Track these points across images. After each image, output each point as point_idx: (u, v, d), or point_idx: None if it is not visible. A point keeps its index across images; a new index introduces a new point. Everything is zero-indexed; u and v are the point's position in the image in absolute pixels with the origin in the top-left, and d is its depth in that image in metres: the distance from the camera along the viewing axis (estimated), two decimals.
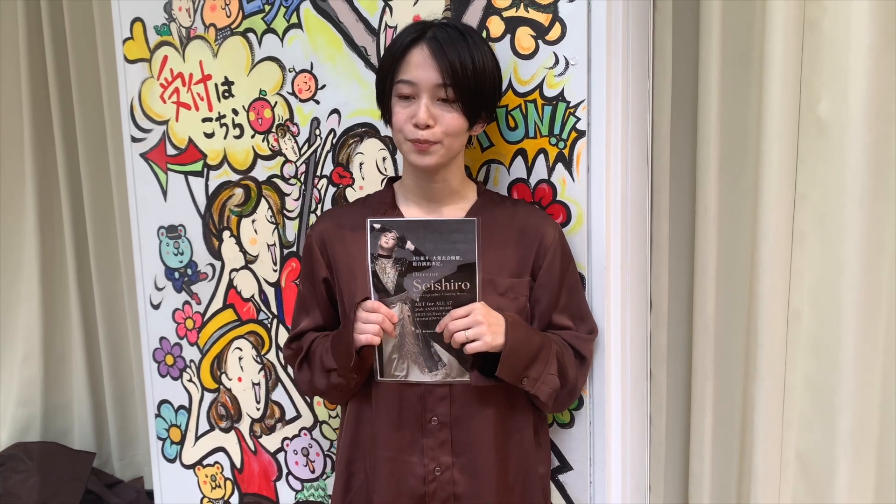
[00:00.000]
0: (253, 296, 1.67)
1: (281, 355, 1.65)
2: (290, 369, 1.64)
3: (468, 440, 1.20)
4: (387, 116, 1.21)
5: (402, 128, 1.16)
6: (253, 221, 1.64)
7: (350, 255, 1.23)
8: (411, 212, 1.25)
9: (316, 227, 1.31)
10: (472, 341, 1.11)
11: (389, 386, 1.20)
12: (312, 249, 1.29)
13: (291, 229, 1.59)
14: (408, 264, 1.12)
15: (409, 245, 1.11)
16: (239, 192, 1.64)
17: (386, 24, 1.41)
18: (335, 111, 1.49)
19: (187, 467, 1.84)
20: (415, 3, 1.37)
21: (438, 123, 1.14)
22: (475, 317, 1.11)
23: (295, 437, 1.67)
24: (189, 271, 1.75)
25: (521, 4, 1.27)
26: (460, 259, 1.10)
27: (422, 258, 1.11)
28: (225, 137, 1.64)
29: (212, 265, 1.71)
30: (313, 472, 1.66)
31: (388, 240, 1.11)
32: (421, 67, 1.13)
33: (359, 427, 1.28)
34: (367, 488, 1.27)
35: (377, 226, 1.11)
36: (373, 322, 1.13)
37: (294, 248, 1.59)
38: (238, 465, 1.76)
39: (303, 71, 1.52)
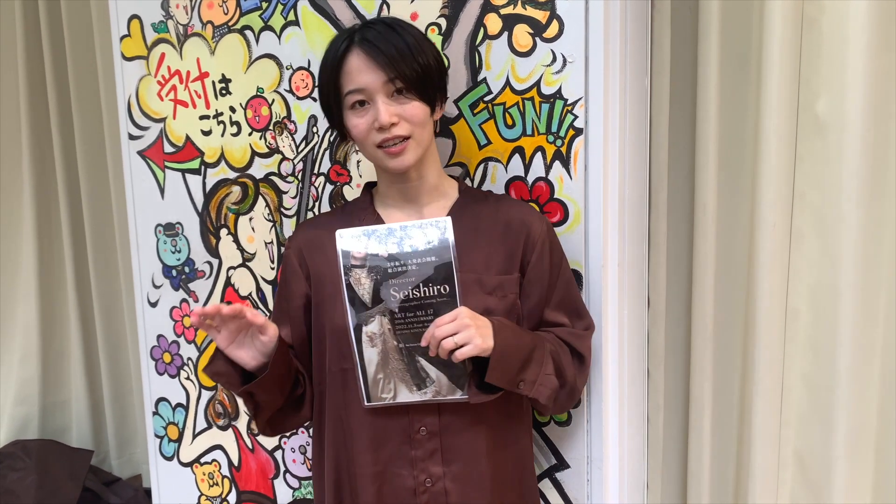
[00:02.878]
0: (250, 293, 1.67)
1: None
2: None
3: (459, 448, 1.15)
4: (342, 131, 1.18)
5: (367, 137, 1.13)
6: (250, 219, 1.63)
7: (330, 263, 1.16)
8: (392, 215, 1.21)
9: (294, 239, 1.26)
10: (461, 347, 1.04)
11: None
12: (290, 261, 1.24)
13: (289, 227, 1.59)
14: (383, 272, 1.06)
15: (382, 251, 1.06)
16: (236, 189, 1.64)
17: None
18: None
19: (185, 465, 1.84)
20: (412, 1, 1.37)
21: (402, 118, 1.11)
22: (462, 320, 1.04)
23: (292, 435, 1.66)
24: (186, 269, 1.74)
25: (519, 2, 1.27)
26: (436, 259, 1.05)
27: (396, 263, 1.05)
28: (222, 135, 1.64)
29: (209, 263, 1.71)
30: (311, 469, 1.66)
31: (358, 248, 1.06)
32: (363, 72, 1.10)
33: (345, 445, 1.21)
34: None
35: (346, 235, 1.06)
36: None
37: None
38: (236, 462, 1.76)
39: (300, 68, 1.51)
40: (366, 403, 1.12)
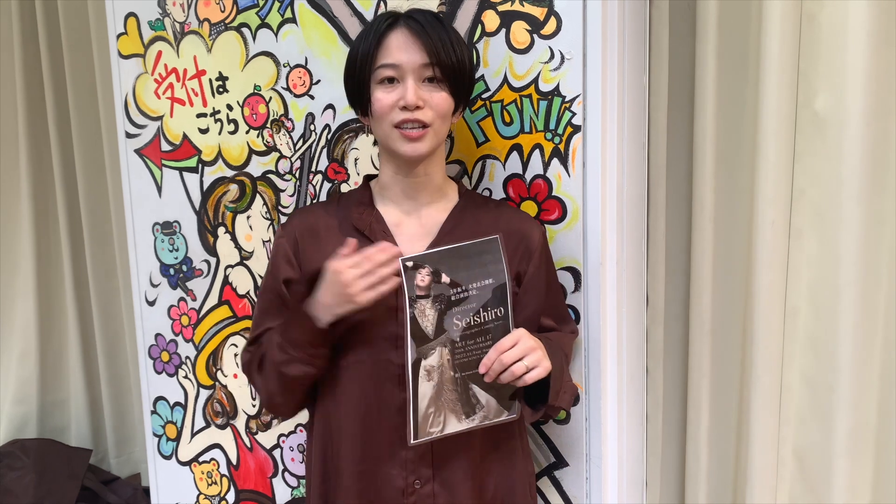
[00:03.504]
0: (248, 292, 1.66)
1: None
2: None
3: (449, 452, 1.14)
4: (363, 107, 1.16)
5: (388, 113, 1.11)
6: (248, 217, 1.63)
7: (325, 255, 1.13)
8: (390, 211, 1.19)
9: (288, 226, 1.23)
10: (531, 370, 1.03)
11: (367, 398, 1.14)
12: (283, 250, 1.21)
13: None
14: (447, 300, 1.03)
15: (445, 278, 1.03)
16: (234, 187, 1.64)
17: None
18: (330, 106, 1.49)
19: (183, 464, 1.84)
20: None
21: (427, 105, 1.10)
22: (526, 343, 1.03)
23: (291, 433, 1.66)
24: (184, 268, 1.74)
25: None
26: (493, 282, 1.03)
27: (459, 289, 1.03)
28: (219, 133, 1.63)
29: (207, 261, 1.70)
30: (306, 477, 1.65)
31: (423, 277, 1.02)
32: (403, 49, 1.09)
33: (332, 440, 1.20)
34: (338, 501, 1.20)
35: (410, 264, 1.01)
36: (381, 265, 1.02)
37: None
38: (234, 461, 1.76)
39: (297, 66, 1.51)
40: (412, 441, 1.07)
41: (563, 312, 1.25)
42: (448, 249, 1.05)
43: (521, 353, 1.03)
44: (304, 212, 1.29)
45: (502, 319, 1.04)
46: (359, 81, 1.14)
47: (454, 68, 1.11)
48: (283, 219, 1.58)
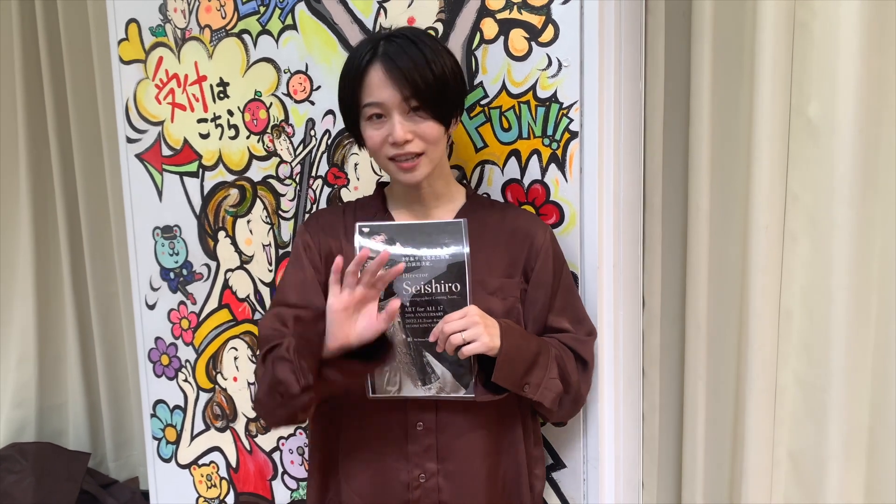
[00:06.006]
0: (248, 296, 1.67)
1: None
2: None
3: (454, 446, 1.17)
4: (359, 139, 1.19)
5: (380, 149, 1.14)
6: (248, 222, 1.64)
7: (344, 249, 1.19)
8: (402, 216, 1.24)
9: (304, 226, 1.27)
10: (469, 343, 1.05)
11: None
12: (301, 239, 1.24)
13: (287, 230, 1.60)
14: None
15: (399, 247, 1.09)
16: (234, 192, 1.65)
17: (381, 26, 1.42)
18: (330, 112, 1.50)
19: (183, 467, 1.85)
20: (409, 5, 1.38)
21: (416, 136, 1.12)
22: (471, 318, 1.06)
23: (290, 436, 1.67)
24: (184, 271, 1.75)
25: (515, 7, 1.28)
26: (450, 258, 1.08)
27: (412, 258, 1.09)
28: (220, 138, 1.64)
29: (207, 265, 1.72)
30: (308, 471, 1.66)
31: (376, 242, 1.09)
32: (383, 87, 1.10)
33: (335, 433, 1.23)
34: (341, 498, 1.22)
35: (366, 229, 1.09)
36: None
37: (289, 249, 1.60)
38: (234, 464, 1.76)
39: (298, 72, 1.52)
40: (370, 394, 1.13)
41: (577, 314, 1.25)
42: (407, 224, 1.13)
43: (463, 326, 1.05)
44: (318, 214, 1.33)
45: (458, 295, 1.08)
46: (349, 117, 1.18)
47: (435, 96, 1.11)
48: (284, 223, 1.60)
